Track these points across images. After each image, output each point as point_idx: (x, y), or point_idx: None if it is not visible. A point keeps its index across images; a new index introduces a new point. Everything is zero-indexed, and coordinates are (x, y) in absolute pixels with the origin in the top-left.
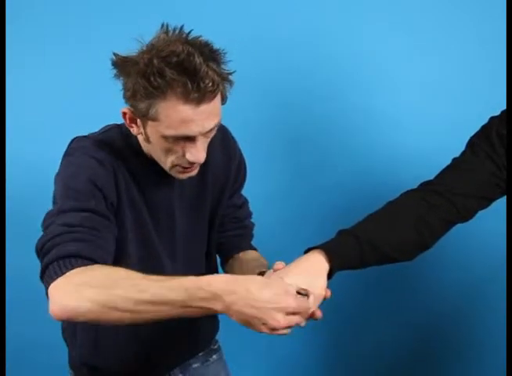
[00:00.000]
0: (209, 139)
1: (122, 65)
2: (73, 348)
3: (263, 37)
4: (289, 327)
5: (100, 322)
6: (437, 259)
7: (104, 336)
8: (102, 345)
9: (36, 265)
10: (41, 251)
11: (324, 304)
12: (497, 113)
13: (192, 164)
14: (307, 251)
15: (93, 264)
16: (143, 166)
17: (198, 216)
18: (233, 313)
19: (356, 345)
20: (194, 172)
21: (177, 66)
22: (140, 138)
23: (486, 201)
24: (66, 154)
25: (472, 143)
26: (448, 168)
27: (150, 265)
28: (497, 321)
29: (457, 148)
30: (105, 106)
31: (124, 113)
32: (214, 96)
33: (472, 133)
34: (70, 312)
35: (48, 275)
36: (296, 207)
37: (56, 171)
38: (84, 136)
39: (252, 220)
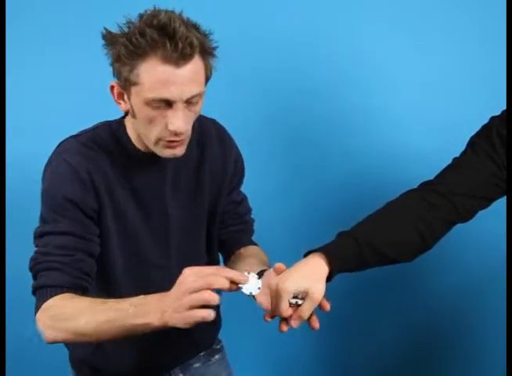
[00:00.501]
0: (193, 115)
1: (111, 37)
2: (73, 348)
3: (263, 37)
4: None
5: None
6: (437, 260)
7: None
8: (102, 344)
9: None
10: (31, 273)
11: None
12: (497, 113)
13: (176, 135)
14: (306, 254)
15: (65, 292)
16: (133, 162)
17: (195, 213)
18: (170, 317)
19: (356, 345)
20: (179, 150)
21: (157, 27)
22: (129, 122)
23: (486, 201)
24: (48, 162)
25: (473, 143)
26: (448, 167)
27: (136, 269)
28: (497, 322)
29: (457, 148)
30: (105, 105)
31: (112, 88)
32: (192, 58)
33: (472, 133)
34: (52, 340)
35: (36, 301)
36: (295, 207)
37: None
38: (72, 136)
39: (252, 216)
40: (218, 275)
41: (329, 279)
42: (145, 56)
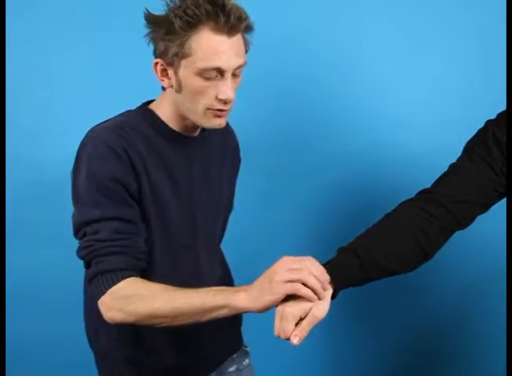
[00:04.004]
0: (236, 85)
1: (154, 17)
2: (114, 342)
3: (260, 37)
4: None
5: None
6: (437, 262)
7: (143, 329)
8: (145, 340)
9: (36, 264)
10: (84, 261)
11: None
12: (497, 111)
13: (225, 104)
14: None
15: (131, 275)
16: (166, 141)
17: (217, 198)
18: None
19: (356, 349)
20: (223, 120)
21: (209, 0)
22: (157, 105)
23: (484, 207)
24: (82, 147)
25: (468, 148)
26: (445, 174)
27: (169, 247)
28: (498, 323)
29: (457, 148)
30: (105, 105)
31: (156, 64)
32: (239, 31)
33: (472, 133)
34: (121, 322)
35: (95, 288)
36: (295, 207)
37: (57, 171)
38: (100, 123)
39: None
40: (311, 274)
41: (333, 296)
42: (198, 27)
